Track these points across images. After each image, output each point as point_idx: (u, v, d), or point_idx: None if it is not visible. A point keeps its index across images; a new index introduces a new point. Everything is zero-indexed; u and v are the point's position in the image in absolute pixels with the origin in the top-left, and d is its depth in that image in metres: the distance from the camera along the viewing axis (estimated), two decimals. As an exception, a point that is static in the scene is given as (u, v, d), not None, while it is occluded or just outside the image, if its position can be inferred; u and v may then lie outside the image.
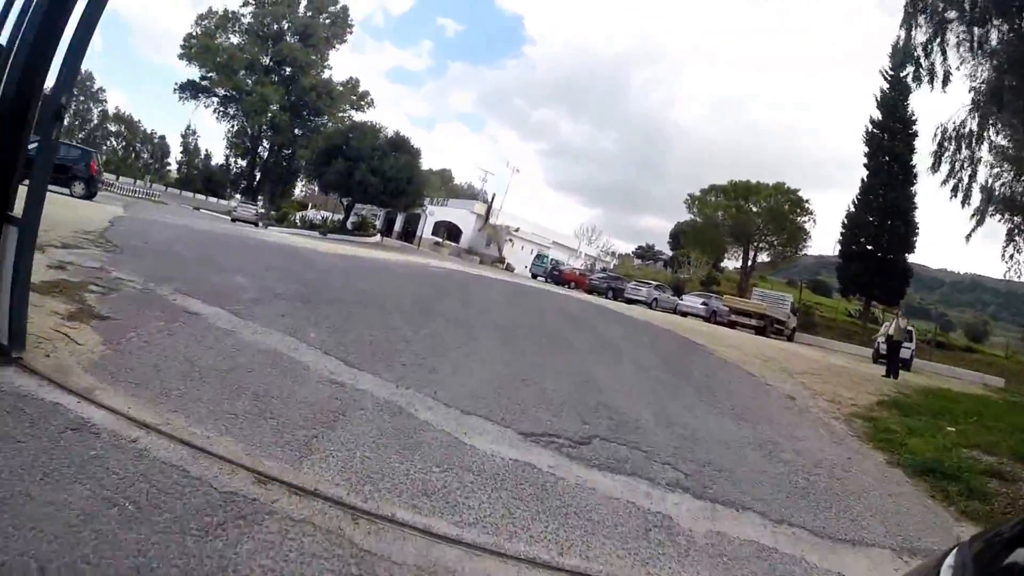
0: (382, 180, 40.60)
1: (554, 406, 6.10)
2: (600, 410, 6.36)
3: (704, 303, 37.27)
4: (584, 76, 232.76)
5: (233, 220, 42.53)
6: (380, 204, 46.44)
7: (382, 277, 15.10)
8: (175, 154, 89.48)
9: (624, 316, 18.96)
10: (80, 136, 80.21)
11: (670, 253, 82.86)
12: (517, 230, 59.74)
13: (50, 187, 19.25)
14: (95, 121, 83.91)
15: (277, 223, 46.89)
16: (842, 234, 48.53)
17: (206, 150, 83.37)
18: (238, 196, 63.64)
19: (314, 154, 46.24)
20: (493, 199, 62.47)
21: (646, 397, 7.53)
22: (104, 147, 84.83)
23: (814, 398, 10.25)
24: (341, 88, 68.66)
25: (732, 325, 34.04)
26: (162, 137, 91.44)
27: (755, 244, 52.28)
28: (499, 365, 7.34)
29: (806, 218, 50.24)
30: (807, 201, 50.37)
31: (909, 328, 35.49)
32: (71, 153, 25.38)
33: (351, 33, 72.26)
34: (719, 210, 52.57)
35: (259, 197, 68.71)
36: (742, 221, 50.85)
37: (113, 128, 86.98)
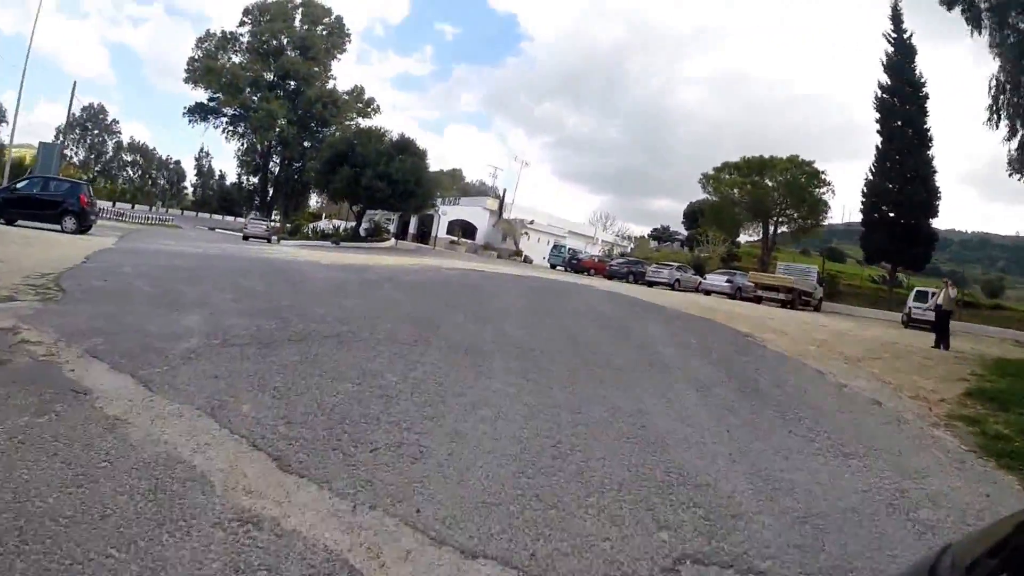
0: (389, 184, 38.49)
1: (607, 502, 3.88)
2: (674, 489, 4.18)
3: (728, 280, 35.18)
4: (583, 67, 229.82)
5: (245, 238, 40.94)
6: (390, 208, 44.49)
7: (381, 291, 13.05)
8: (191, 178, 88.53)
9: (654, 307, 16.77)
10: (96, 168, 79.24)
11: (685, 233, 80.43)
12: (531, 222, 57.45)
13: (40, 224, 16.46)
14: (110, 153, 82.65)
15: (291, 236, 45.04)
16: (863, 202, 45.71)
17: (220, 171, 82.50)
18: (255, 213, 61.90)
19: (320, 164, 44.19)
20: (504, 194, 60.42)
21: (723, 442, 5.35)
22: (120, 177, 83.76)
23: (898, 396, 8.32)
24: (347, 97, 66.74)
25: (758, 300, 32.01)
26: (177, 162, 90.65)
27: (775, 219, 49.48)
28: (519, 423, 5.06)
29: (824, 189, 47.31)
30: (823, 172, 47.44)
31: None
32: (60, 188, 23.67)
33: (349, 42, 70.57)
34: (735, 187, 49.72)
35: (274, 212, 67.16)
36: (759, 197, 48.07)
37: (129, 158, 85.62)
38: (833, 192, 47.33)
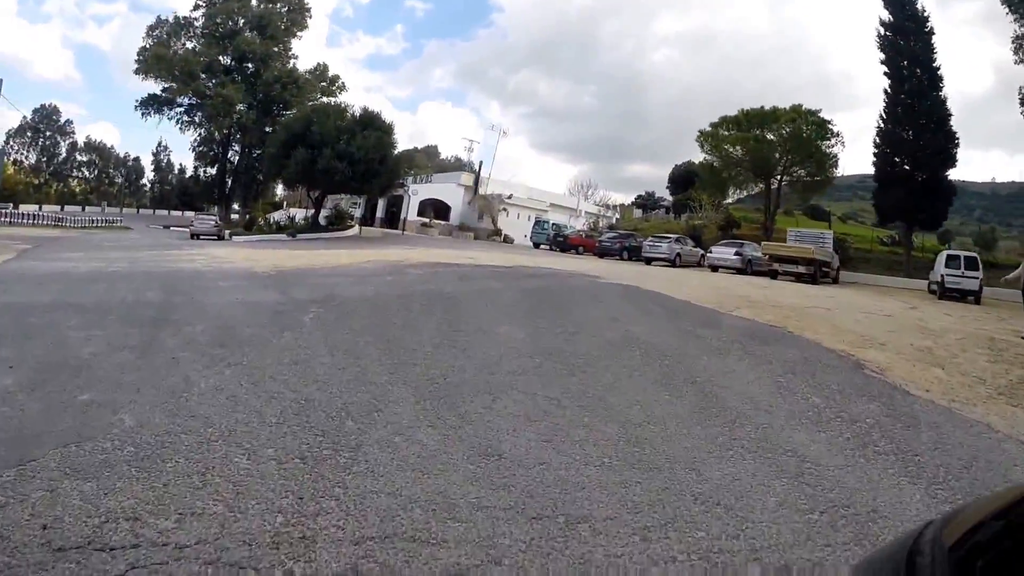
0: (350, 164, 33.26)
1: None
2: None
3: (737, 253, 30.24)
4: (555, 35, 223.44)
5: (193, 236, 35.76)
6: (352, 191, 39.21)
7: (291, 336, 8.12)
8: (149, 174, 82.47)
9: (695, 310, 12.34)
10: (48, 171, 73.15)
11: (671, 199, 75.52)
12: (510, 197, 52.20)
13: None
14: (64, 154, 76.36)
15: (246, 231, 39.79)
16: (875, 154, 40.84)
17: (180, 164, 76.34)
18: (204, 209, 56.35)
19: (274, 147, 38.90)
20: (480, 167, 55.01)
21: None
22: (76, 178, 77.65)
23: None
24: (308, 76, 60.83)
25: (774, 275, 27.36)
26: (136, 159, 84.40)
27: (779, 177, 44.51)
28: None
29: (832, 141, 42.27)
30: (830, 122, 42.41)
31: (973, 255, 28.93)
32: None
33: (310, 17, 64.35)
34: (737, 144, 44.46)
35: (233, 205, 61.63)
36: (762, 153, 42.99)
37: (85, 158, 79.40)
38: (843, 144, 42.36)
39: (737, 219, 48.75)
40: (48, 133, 74.75)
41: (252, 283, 12.80)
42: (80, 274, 14.01)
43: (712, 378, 6.64)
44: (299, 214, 43.05)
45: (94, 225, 44.39)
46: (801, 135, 41.92)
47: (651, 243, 33.20)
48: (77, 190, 76.11)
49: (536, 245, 43.39)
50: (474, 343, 7.55)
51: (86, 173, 79.64)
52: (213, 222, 38.31)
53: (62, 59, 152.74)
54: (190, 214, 59.73)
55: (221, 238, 36.23)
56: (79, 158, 78.81)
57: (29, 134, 72.52)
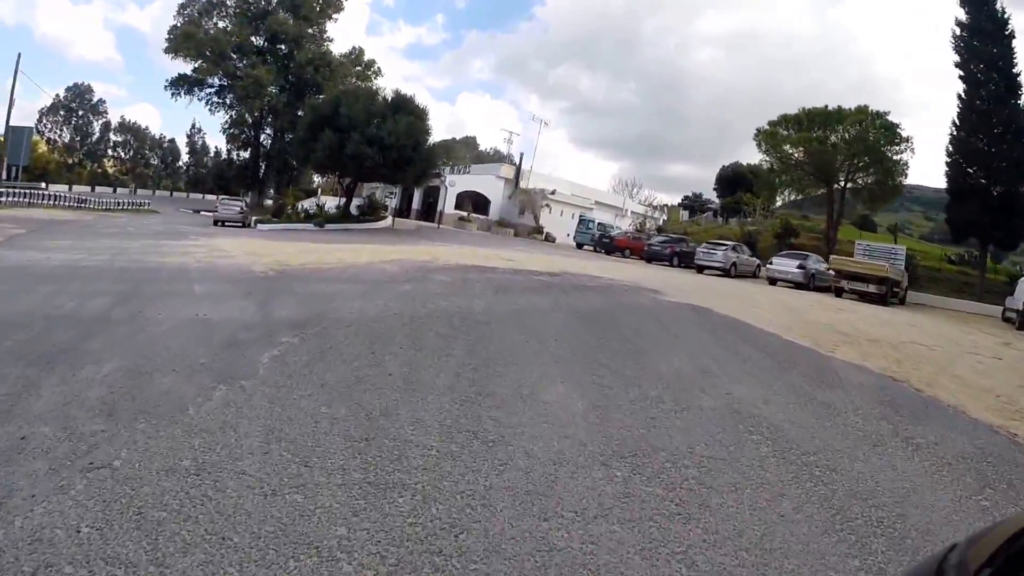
0: (380, 149, 30.57)
1: None
2: None
3: (801, 266, 26.93)
4: (596, 29, 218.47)
5: (216, 223, 33.48)
6: (383, 179, 36.48)
7: (218, 381, 5.49)
8: (185, 156, 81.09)
9: (762, 339, 9.92)
10: (82, 151, 72.02)
11: (718, 201, 71.88)
12: (553, 192, 48.93)
13: None
14: (97, 134, 75.21)
15: (274, 218, 37.44)
16: (948, 164, 37.00)
17: (215, 147, 74.48)
18: (239, 193, 54.38)
19: (301, 129, 36.38)
20: (521, 160, 51.97)
21: None
22: (111, 159, 76.56)
23: None
24: (343, 59, 58.38)
25: (838, 293, 24.38)
26: (171, 140, 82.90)
27: (842, 184, 40.82)
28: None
29: (902, 147, 38.41)
30: (899, 126, 38.58)
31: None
32: None
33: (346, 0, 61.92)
34: (798, 145, 40.78)
35: (268, 190, 59.61)
36: (825, 156, 39.34)
37: (120, 138, 78.22)
38: (912, 150, 38.49)
39: (796, 227, 45.08)
40: (81, 112, 73.52)
41: (235, 289, 10.17)
42: (42, 270, 11.64)
43: (903, 512, 3.85)
44: (330, 203, 40.40)
45: (119, 208, 42.42)
46: (867, 138, 38.24)
47: (705, 250, 30.02)
48: (111, 171, 74.88)
49: (580, 246, 40.65)
50: (510, 428, 4.73)
51: (121, 154, 78.41)
52: (239, 208, 35.85)
53: (103, 40, 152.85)
54: (224, 198, 57.81)
55: (246, 225, 33.95)
56: (113, 138, 77.66)
57: (62, 113, 71.38)
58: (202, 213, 44.48)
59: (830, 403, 6.30)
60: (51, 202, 37.22)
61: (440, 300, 9.77)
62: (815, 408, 6.10)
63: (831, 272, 26.99)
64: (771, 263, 28.16)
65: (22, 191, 35.62)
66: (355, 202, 39.43)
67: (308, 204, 39.22)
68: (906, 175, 39.32)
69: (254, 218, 36.00)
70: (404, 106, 34.01)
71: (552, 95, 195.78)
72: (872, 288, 23.78)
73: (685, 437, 4.88)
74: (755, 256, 32.60)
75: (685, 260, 31.78)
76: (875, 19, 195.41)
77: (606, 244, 38.22)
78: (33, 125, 50.99)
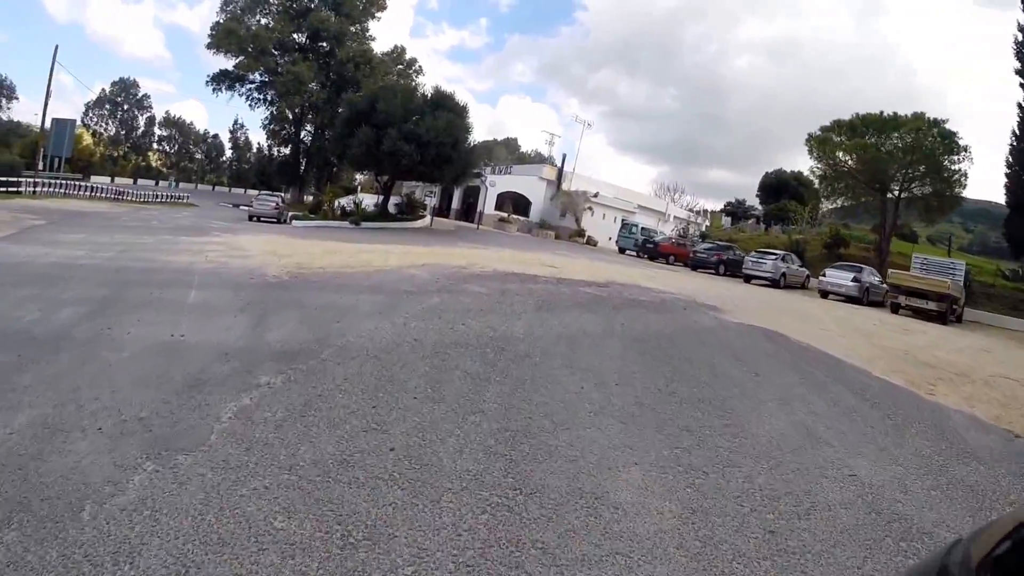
0: (418, 147, 28.95)
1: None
2: None
3: (855, 279, 24.69)
4: (637, 35, 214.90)
5: (251, 218, 32.31)
6: (421, 177, 34.76)
7: (147, 456, 3.79)
8: (228, 151, 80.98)
9: (855, 377, 8.12)
10: (127, 144, 72.07)
11: (761, 208, 69.02)
12: (596, 195, 46.70)
13: None
14: (141, 128, 75.23)
15: (312, 214, 36.19)
16: (1008, 176, 34.31)
17: (258, 143, 73.90)
18: (280, 188, 53.53)
19: (338, 125, 34.99)
20: (564, 160, 49.99)
21: None
22: (155, 153, 76.63)
23: None
24: (384, 57, 57.12)
25: (895, 309, 22.29)
26: (215, 136, 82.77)
27: (897, 194, 38.14)
28: None
29: (959, 156, 35.58)
30: (957, 135, 35.81)
31: None
32: None
33: (389, -2, 60.69)
34: (853, 151, 38.12)
35: (310, 187, 58.70)
36: (880, 164, 36.68)
37: (165, 132, 78.19)
38: (971, 160, 35.68)
39: (846, 237, 42.37)
40: (126, 107, 73.59)
41: (234, 298, 8.58)
42: (33, 268, 10.34)
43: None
44: (368, 200, 38.99)
45: (156, 200, 41.81)
46: (924, 147, 35.49)
47: (754, 259, 27.92)
48: (156, 164, 74.98)
49: (622, 250, 38.72)
50: (568, 568, 2.97)
51: (167, 148, 78.42)
52: (274, 204, 34.53)
53: (153, 39, 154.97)
54: (266, 193, 56.98)
55: (281, 221, 32.73)
56: (159, 133, 77.62)
57: (108, 107, 71.48)
58: (240, 208, 43.58)
59: (975, 486, 4.63)
60: (88, 193, 36.60)
61: (472, 319, 8.03)
62: (963, 496, 4.44)
63: (885, 286, 25.25)
64: (824, 275, 25.98)
65: (60, 182, 34.94)
66: (393, 200, 37.96)
67: (346, 201, 37.82)
68: (964, 186, 36.56)
69: (290, 214, 34.81)
70: (444, 103, 32.36)
71: (592, 99, 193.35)
72: (932, 305, 21.61)
73: (827, 569, 3.11)
74: (804, 266, 30.43)
75: (732, 268, 29.95)
76: (916, 28, 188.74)
77: (650, 249, 36.38)
78: (77, 118, 50.76)
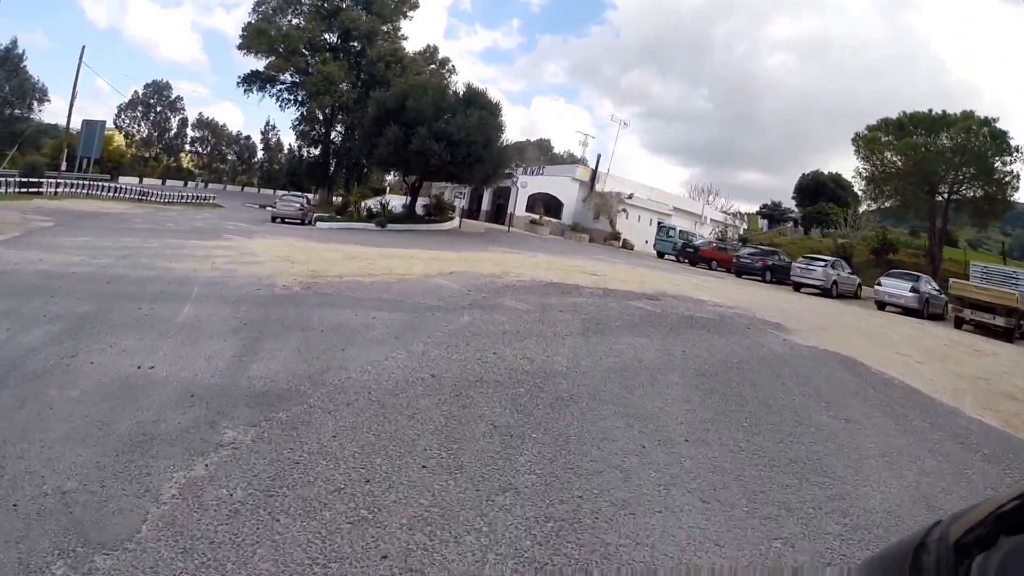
0: (448, 146, 27.88)
1: None
2: None
3: (913, 289, 22.93)
4: (667, 34, 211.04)
5: (275, 219, 31.51)
6: (450, 178, 33.63)
7: None
8: (260, 153, 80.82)
9: (970, 432, 6.76)
10: (159, 145, 72.27)
11: (797, 211, 66.98)
12: (630, 197, 45.04)
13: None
14: (174, 129, 75.49)
15: (338, 215, 35.35)
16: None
17: (289, 144, 73.59)
18: (299, 190, 53.05)
19: (366, 124, 34.09)
20: (599, 161, 48.51)
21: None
22: (187, 154, 76.88)
23: None
24: (415, 56, 56.20)
25: (958, 324, 20.73)
26: (247, 137, 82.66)
27: (946, 196, 36.23)
28: None
29: (1012, 157, 33.57)
30: (1008, 134, 33.78)
31: None
32: None
33: (421, -2, 59.85)
34: (902, 151, 36.25)
35: (340, 188, 58.09)
36: (930, 165, 34.82)
37: (198, 134, 78.44)
38: (1024, 161, 33.64)
39: (893, 242, 40.43)
40: (159, 108, 73.83)
41: (230, 315, 7.52)
42: (18, 277, 9.45)
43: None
44: (396, 201, 37.99)
45: (181, 201, 41.31)
46: (974, 147, 33.51)
47: (803, 266, 26.29)
48: (188, 165, 75.21)
49: (660, 255, 37.27)
50: None
51: (199, 149, 78.64)
52: (299, 204, 33.62)
53: (190, 42, 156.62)
54: (297, 194, 56.41)
55: (305, 223, 31.88)
56: (191, 134, 77.83)
57: (140, 108, 71.75)
58: (266, 209, 42.97)
59: None
60: (112, 194, 36.16)
61: (506, 346, 6.84)
62: None
63: (944, 297, 23.81)
64: (880, 284, 24.31)
65: (83, 182, 34.56)
66: (421, 202, 36.94)
67: (373, 203, 36.85)
68: (1017, 188, 34.49)
69: (315, 215, 33.98)
70: (476, 100, 31.20)
71: (625, 100, 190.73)
72: (1000, 321, 19.84)
73: None
74: (854, 273, 28.75)
75: (777, 275, 28.52)
76: (949, 24, 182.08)
77: (690, 254, 34.80)
78: (106, 119, 50.72)
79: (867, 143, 38.38)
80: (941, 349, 13.25)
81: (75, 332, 6.43)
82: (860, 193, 42.08)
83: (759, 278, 28.64)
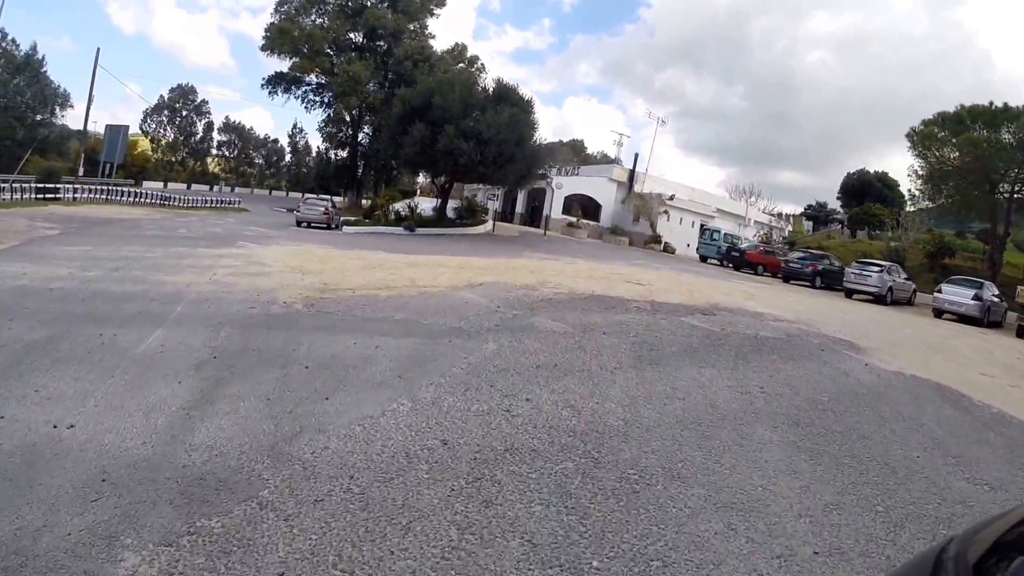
0: (478, 144, 26.56)
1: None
2: None
3: (976, 296, 21.23)
4: (702, 32, 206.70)
5: (299, 224, 30.46)
6: (481, 179, 32.25)
7: None
8: (287, 156, 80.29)
9: None
10: (185, 150, 72.08)
11: (842, 212, 64.35)
12: (671, 198, 43.12)
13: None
14: (200, 133, 75.17)
15: (365, 219, 34.19)
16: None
17: (317, 147, 72.95)
18: (322, 193, 52.29)
19: (391, 122, 32.89)
20: (636, 160, 46.67)
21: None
22: (214, 158, 76.73)
23: None
24: (443, 55, 54.97)
25: (1022, 333, 19.19)
26: (275, 140, 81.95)
27: (1008, 195, 33.92)
28: None
29: None
30: None
31: None
32: None
33: (449, -6, 58.64)
34: (965, 147, 33.87)
35: (366, 189, 57.21)
36: (991, 160, 32.51)
37: (224, 138, 78.16)
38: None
39: (950, 244, 38.04)
40: (184, 113, 73.70)
41: (204, 344, 6.21)
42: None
43: None
44: (425, 204, 36.66)
45: (205, 206, 40.45)
46: None
47: (857, 271, 24.67)
48: (215, 169, 75.01)
49: (703, 259, 35.45)
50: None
51: (226, 153, 78.28)
52: (323, 208, 32.35)
53: (217, 47, 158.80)
54: (326, 197, 55.55)
55: (331, 227, 30.81)
56: (218, 138, 77.52)
57: (166, 113, 71.50)
58: (294, 212, 42.17)
59: None
60: (133, 199, 35.42)
61: (541, 388, 5.38)
62: None
63: (1004, 305, 22.80)
64: (940, 291, 22.53)
65: (101, 187, 33.92)
66: (452, 204, 35.66)
67: (402, 206, 35.51)
68: None
69: (341, 219, 32.84)
70: (506, 96, 29.74)
71: (658, 99, 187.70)
72: None
73: None
74: (909, 279, 26.86)
75: (828, 280, 26.98)
76: (991, 19, 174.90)
77: (735, 258, 32.83)
78: (133, 124, 50.71)
79: (923, 139, 36.13)
80: (1017, 364, 11.91)
81: (5, 370, 5.16)
82: (917, 192, 39.64)
83: (808, 284, 26.92)
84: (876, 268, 24.59)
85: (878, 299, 23.33)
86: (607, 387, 5.59)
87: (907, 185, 40.43)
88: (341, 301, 9.14)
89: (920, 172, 37.89)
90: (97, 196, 32.25)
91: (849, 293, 24.30)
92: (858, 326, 12.97)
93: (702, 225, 41.84)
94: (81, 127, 41.90)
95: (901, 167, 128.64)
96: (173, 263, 12.50)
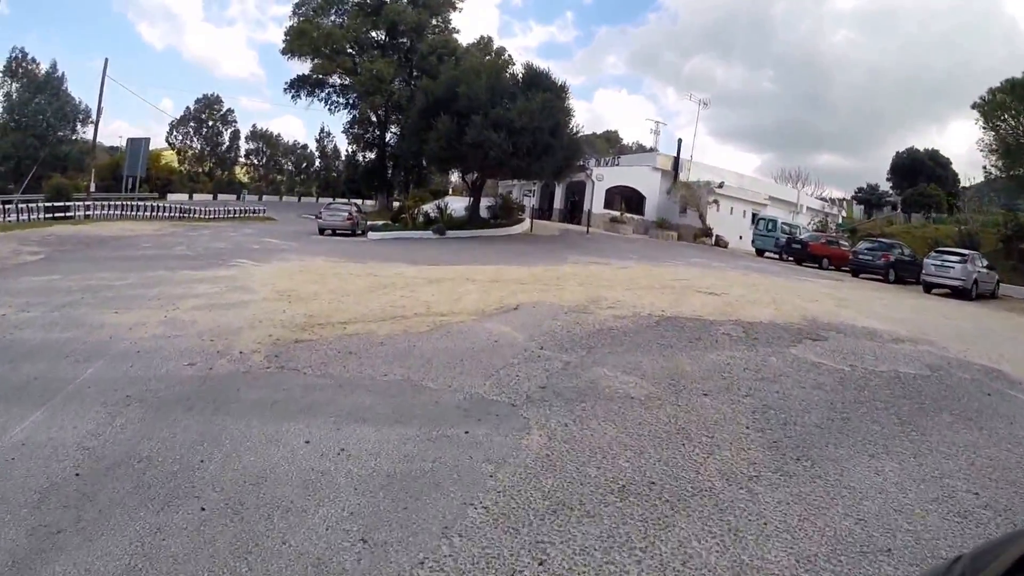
0: (508, 134, 24.04)
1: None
2: None
3: None
4: (726, 16, 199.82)
5: (322, 231, 28.33)
6: (515, 173, 29.59)
7: None
8: (316, 161, 79.09)
9: None
10: (212, 160, 71.11)
11: (894, 194, 60.32)
12: (721, 186, 39.93)
13: None
14: (226, 143, 74.18)
15: (392, 222, 31.95)
16: None
17: (345, 150, 71.46)
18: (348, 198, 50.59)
19: (412, 117, 30.58)
20: (680, 147, 43.48)
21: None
22: (243, 167, 75.79)
23: None
24: (468, 48, 52.61)
25: None
26: (303, 146, 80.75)
27: None
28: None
29: None
30: None
31: None
32: None
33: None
34: None
35: (396, 191, 55.33)
36: None
37: (252, 146, 77.12)
38: None
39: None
40: (211, 123, 72.77)
41: (76, 447, 3.75)
42: None
43: None
44: (456, 204, 34.12)
45: (227, 216, 38.63)
46: None
47: (936, 262, 21.82)
48: (244, 178, 74.17)
49: (759, 252, 32.25)
50: None
51: (254, 161, 77.24)
52: (346, 214, 29.92)
53: (247, 58, 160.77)
54: (358, 201, 53.56)
55: (356, 233, 28.68)
56: (245, 147, 76.61)
57: (192, 124, 70.63)
58: (316, 219, 40.29)
59: None
60: (150, 213, 33.65)
61: (638, 550, 2.86)
62: None
63: None
64: None
65: (117, 203, 32.24)
66: (485, 203, 33.23)
67: (430, 207, 33.02)
68: None
69: (367, 224, 30.56)
70: (538, 82, 27.05)
71: (689, 87, 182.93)
72: None
73: None
74: (991, 268, 23.59)
75: (902, 272, 24.28)
76: None
77: (796, 251, 29.51)
78: (160, 137, 49.35)
79: (994, 108, 32.50)
80: None
81: None
82: (993, 169, 36.02)
83: (880, 277, 24.13)
84: (957, 258, 21.67)
85: (961, 293, 20.64)
86: (753, 527, 3.01)
87: (981, 162, 36.68)
88: (321, 347, 6.68)
89: (995, 146, 34.29)
90: (111, 213, 30.45)
91: (928, 287, 21.61)
92: (977, 339, 10.31)
93: (754, 215, 38.58)
94: (109, 144, 40.74)
95: (950, 144, 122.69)
96: (137, 294, 10.14)
